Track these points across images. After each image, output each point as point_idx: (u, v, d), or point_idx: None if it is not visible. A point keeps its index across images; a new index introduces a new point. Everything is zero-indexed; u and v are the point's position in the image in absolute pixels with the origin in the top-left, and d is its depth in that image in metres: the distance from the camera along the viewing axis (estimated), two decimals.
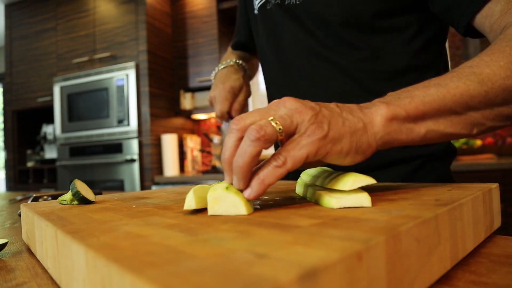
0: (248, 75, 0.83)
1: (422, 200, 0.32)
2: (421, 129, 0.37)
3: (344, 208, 0.30)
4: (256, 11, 0.74)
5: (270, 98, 0.77)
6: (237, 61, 0.79)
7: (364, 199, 0.31)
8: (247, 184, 0.31)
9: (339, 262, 0.16)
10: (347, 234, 0.21)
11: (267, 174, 0.30)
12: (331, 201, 0.31)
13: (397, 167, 0.61)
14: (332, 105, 0.35)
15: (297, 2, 0.63)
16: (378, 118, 0.35)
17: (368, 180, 0.32)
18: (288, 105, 0.33)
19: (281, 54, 0.69)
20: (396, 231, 0.21)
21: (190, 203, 0.33)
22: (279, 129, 0.31)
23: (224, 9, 2.63)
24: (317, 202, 0.34)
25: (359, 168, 0.60)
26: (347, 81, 0.61)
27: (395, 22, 0.57)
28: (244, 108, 0.75)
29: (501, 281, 0.25)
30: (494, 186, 0.39)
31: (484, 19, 0.48)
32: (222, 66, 0.78)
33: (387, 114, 0.35)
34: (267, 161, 0.31)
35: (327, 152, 0.32)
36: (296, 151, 0.30)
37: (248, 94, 0.76)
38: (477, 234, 0.33)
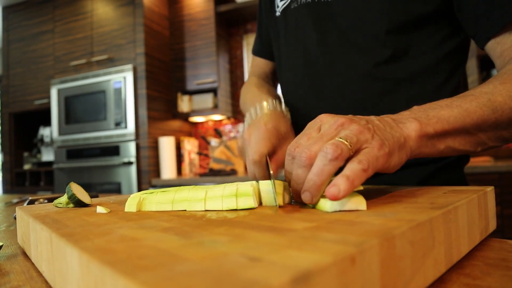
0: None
1: (417, 203, 0.32)
2: (441, 145, 0.42)
3: (339, 211, 0.31)
4: (278, 13, 0.73)
5: (289, 102, 0.72)
6: (284, 106, 0.61)
7: (359, 203, 0.31)
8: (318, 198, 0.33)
9: (332, 265, 0.16)
10: (341, 237, 0.21)
11: (356, 175, 0.31)
12: (326, 204, 0.31)
13: (416, 169, 0.62)
14: (376, 120, 0.38)
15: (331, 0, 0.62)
16: (413, 133, 0.39)
17: None
18: (346, 125, 0.35)
19: (305, 54, 0.67)
20: (390, 234, 0.21)
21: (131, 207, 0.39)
22: (350, 146, 0.32)
23: (222, 12, 2.64)
24: (313, 205, 0.34)
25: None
26: (370, 83, 0.61)
27: (432, 23, 0.58)
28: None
29: (496, 284, 0.25)
30: (489, 189, 0.39)
31: (496, 44, 0.51)
32: (263, 110, 0.56)
33: (420, 131, 0.39)
34: (351, 163, 0.32)
35: (388, 165, 0.35)
36: (376, 161, 0.33)
37: None
38: (472, 237, 0.33)
